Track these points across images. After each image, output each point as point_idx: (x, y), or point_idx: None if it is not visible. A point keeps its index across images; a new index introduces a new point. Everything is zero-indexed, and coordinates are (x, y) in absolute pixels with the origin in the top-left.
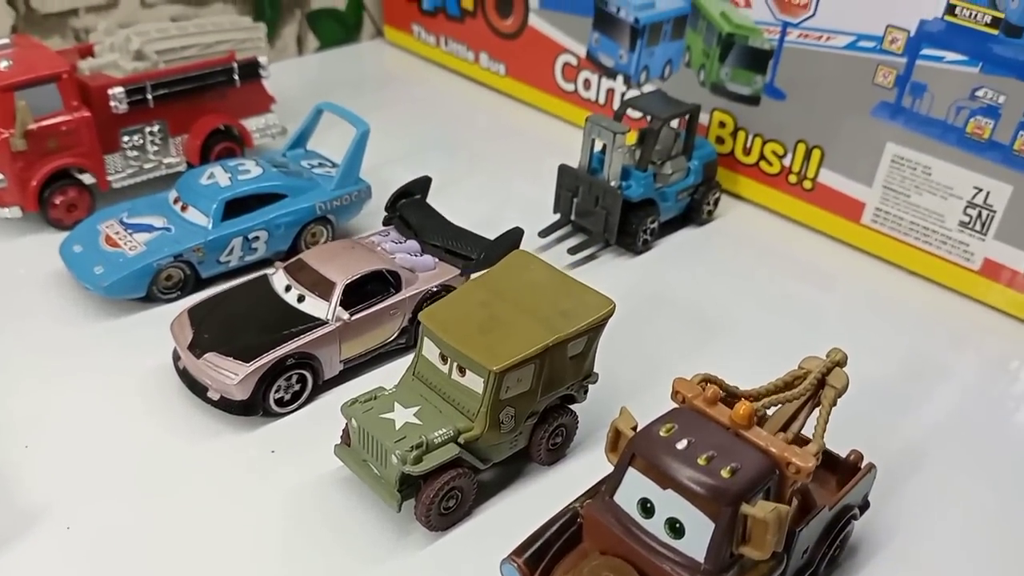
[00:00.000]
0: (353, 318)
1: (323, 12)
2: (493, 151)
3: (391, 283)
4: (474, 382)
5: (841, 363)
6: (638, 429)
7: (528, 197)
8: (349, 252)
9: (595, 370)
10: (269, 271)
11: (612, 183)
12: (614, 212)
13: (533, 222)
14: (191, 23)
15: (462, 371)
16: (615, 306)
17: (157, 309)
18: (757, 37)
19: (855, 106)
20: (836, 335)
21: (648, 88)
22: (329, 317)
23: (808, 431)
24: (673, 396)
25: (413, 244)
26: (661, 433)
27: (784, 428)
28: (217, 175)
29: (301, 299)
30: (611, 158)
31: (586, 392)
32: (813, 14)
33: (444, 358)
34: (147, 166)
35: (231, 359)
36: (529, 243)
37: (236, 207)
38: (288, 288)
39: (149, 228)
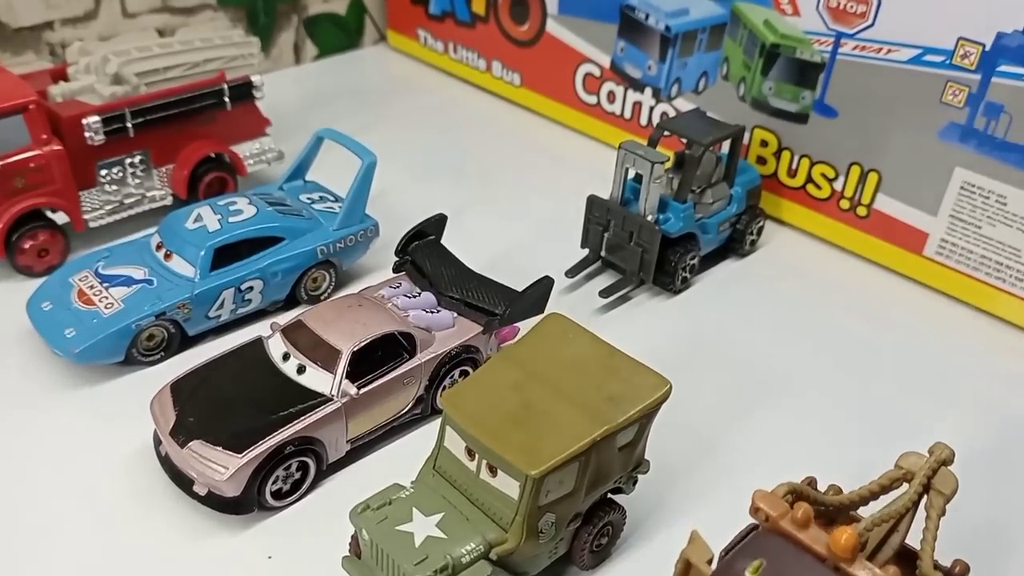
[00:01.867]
0: (362, 391)
1: (322, 17)
2: (508, 169)
3: (404, 347)
4: (508, 485)
5: (947, 461)
6: (715, 562)
7: (548, 221)
8: (355, 311)
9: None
10: (265, 333)
11: (649, 217)
12: (651, 250)
13: (554, 251)
14: (176, 39)
15: (492, 470)
16: (671, 387)
17: (139, 372)
18: (806, 48)
19: (919, 127)
20: (897, 383)
21: (680, 103)
22: (334, 392)
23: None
24: (754, 513)
25: (428, 297)
26: (748, 574)
27: (882, 542)
28: (205, 217)
29: (301, 370)
30: (648, 190)
31: (635, 483)
32: (872, 24)
33: (471, 453)
34: (128, 201)
35: (219, 449)
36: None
37: (227, 253)
38: (286, 356)
39: (128, 281)
